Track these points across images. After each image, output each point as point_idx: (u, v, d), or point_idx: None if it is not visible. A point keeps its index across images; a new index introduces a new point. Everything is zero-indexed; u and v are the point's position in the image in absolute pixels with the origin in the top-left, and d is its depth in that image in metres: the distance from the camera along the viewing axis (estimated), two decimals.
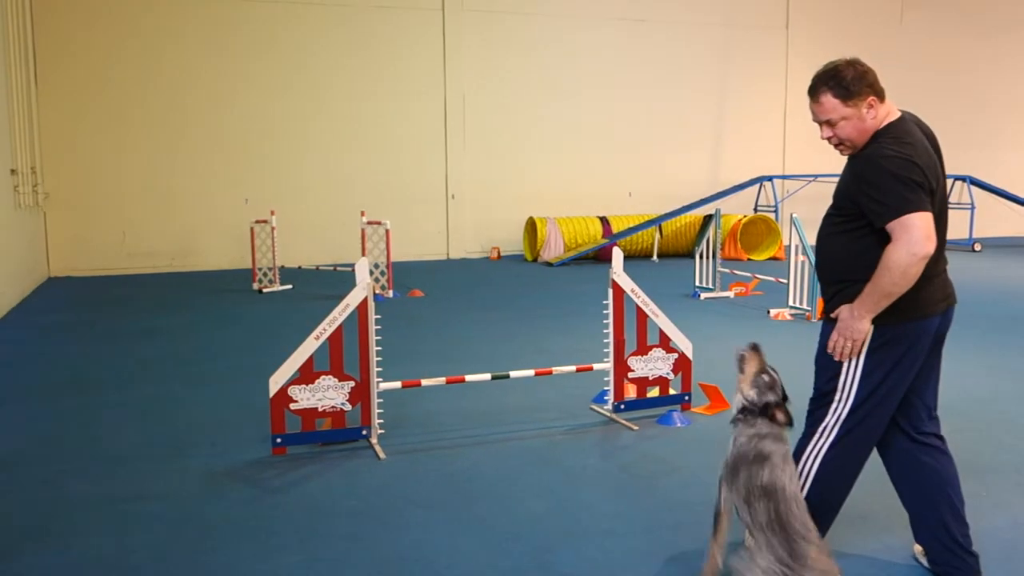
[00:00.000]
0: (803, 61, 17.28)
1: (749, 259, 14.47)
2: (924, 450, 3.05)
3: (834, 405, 2.98)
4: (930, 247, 2.74)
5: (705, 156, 16.43)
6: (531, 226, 14.67)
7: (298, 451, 4.41)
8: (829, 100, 2.97)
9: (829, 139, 3.05)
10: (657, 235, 14.72)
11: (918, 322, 2.90)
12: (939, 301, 2.96)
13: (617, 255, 4.99)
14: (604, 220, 14.71)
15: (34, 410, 5.36)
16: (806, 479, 2.98)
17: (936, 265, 2.93)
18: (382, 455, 4.35)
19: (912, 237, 2.72)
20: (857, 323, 2.86)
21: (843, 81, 2.95)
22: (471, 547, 3.28)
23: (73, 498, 3.84)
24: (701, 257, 10.24)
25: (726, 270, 10.51)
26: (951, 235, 13.63)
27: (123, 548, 3.30)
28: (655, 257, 14.70)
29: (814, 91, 3.04)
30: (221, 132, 13.40)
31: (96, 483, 4.03)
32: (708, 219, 10.14)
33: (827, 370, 3.04)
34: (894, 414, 3.03)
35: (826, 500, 3.00)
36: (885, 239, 2.80)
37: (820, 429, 3.00)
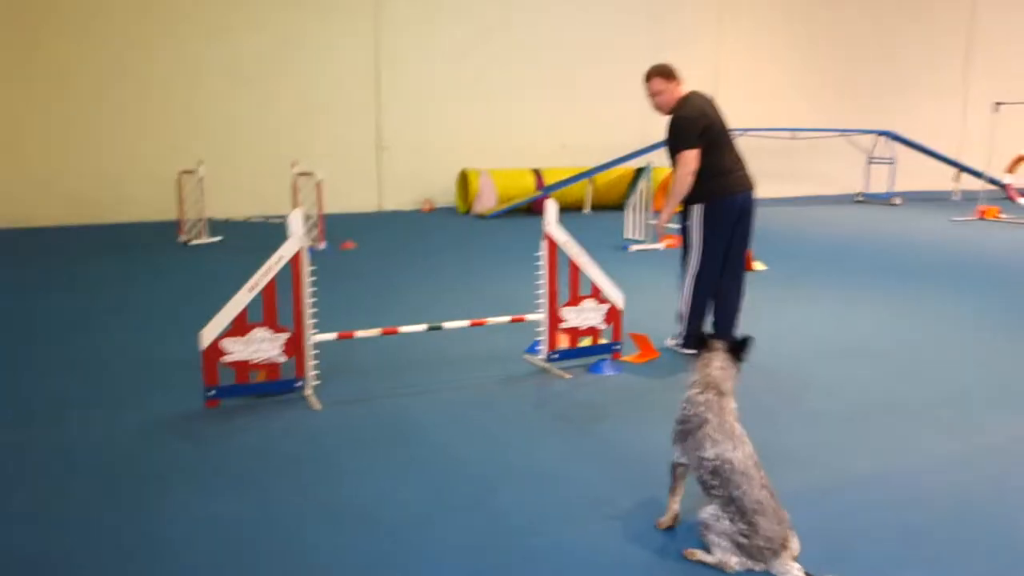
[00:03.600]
0: (735, 18, 17.44)
1: (679, 212, 14.69)
2: (730, 280, 5.26)
3: (692, 253, 5.23)
4: (694, 167, 5.03)
5: (637, 109, 16.52)
6: (464, 178, 14.62)
7: (232, 403, 4.39)
8: (658, 81, 5.22)
9: (656, 106, 5.28)
10: (589, 187, 14.82)
11: (722, 199, 5.12)
12: (735, 187, 5.14)
13: (551, 207, 5.04)
14: (537, 172, 14.74)
15: None
16: (687, 297, 5.27)
17: (727, 166, 5.14)
18: (318, 406, 4.37)
19: (684, 161, 5.04)
20: (662, 216, 5.39)
21: (665, 71, 5.22)
22: (409, 492, 3.35)
23: (7, 450, 3.77)
24: (632, 210, 10.38)
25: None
26: (873, 189, 14.07)
27: (63, 500, 3.27)
28: (587, 209, 14.82)
29: (648, 77, 5.27)
30: (146, 79, 12.98)
31: (25, 436, 3.96)
32: (639, 172, 10.25)
33: (687, 235, 5.29)
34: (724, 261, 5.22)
35: (696, 309, 5.25)
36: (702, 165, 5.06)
37: (689, 268, 5.26)
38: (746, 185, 5.19)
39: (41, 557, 2.85)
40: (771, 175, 17.39)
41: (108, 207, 12.93)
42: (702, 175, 5.06)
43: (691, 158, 5.00)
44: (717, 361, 3.07)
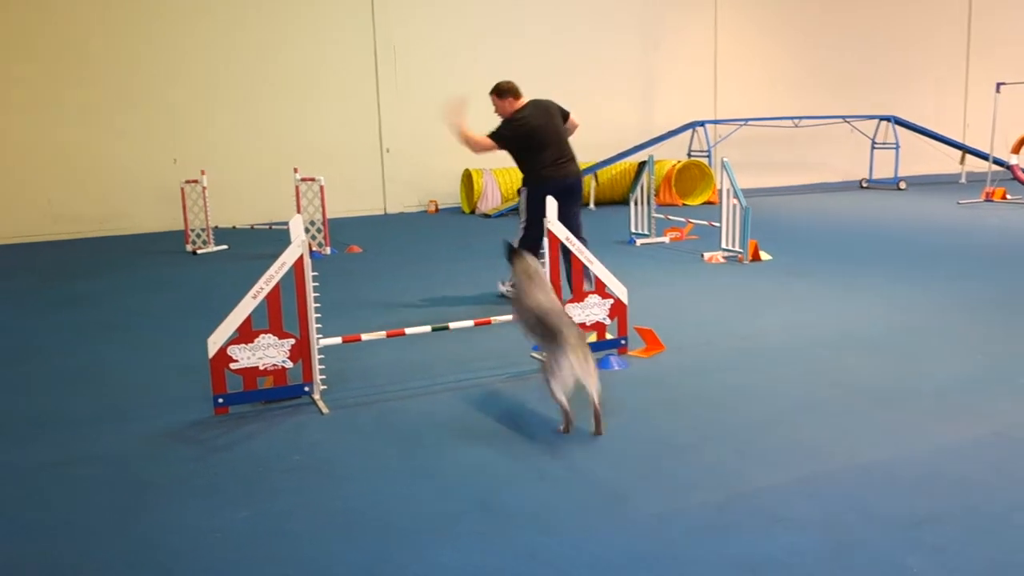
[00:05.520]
0: (732, 6, 17.41)
1: (684, 204, 14.67)
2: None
3: (521, 221, 6.65)
4: (480, 148, 6.53)
5: (638, 103, 16.53)
6: (468, 178, 14.63)
7: (240, 410, 4.42)
8: (493, 98, 6.77)
9: (498, 115, 6.73)
10: (593, 183, 14.82)
11: (539, 186, 6.40)
12: (555, 177, 6.51)
13: (551, 204, 5.05)
14: None
15: None
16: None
17: (546, 162, 6.56)
18: (325, 410, 4.39)
19: (483, 141, 6.49)
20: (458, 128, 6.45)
21: (497, 90, 6.78)
22: (416, 494, 3.36)
23: (14, 465, 3.80)
24: (636, 203, 10.37)
25: (661, 216, 10.66)
26: (878, 174, 14.00)
27: (71, 511, 3.30)
28: (592, 205, 14.82)
29: (492, 93, 6.78)
30: (144, 92, 13.03)
31: (37, 450, 3.99)
32: (642, 166, 10.24)
33: (520, 209, 6.73)
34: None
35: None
36: (522, 156, 6.69)
37: (518, 232, 6.61)
38: (563, 175, 6.58)
39: (52, 568, 2.88)
40: (774, 164, 17.41)
41: (113, 220, 12.99)
42: (529, 169, 6.66)
43: (485, 143, 6.53)
44: (528, 258, 4.48)
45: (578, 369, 3.84)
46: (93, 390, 4.95)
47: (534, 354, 5.31)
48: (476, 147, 6.52)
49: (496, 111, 6.75)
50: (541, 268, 4.49)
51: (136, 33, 12.90)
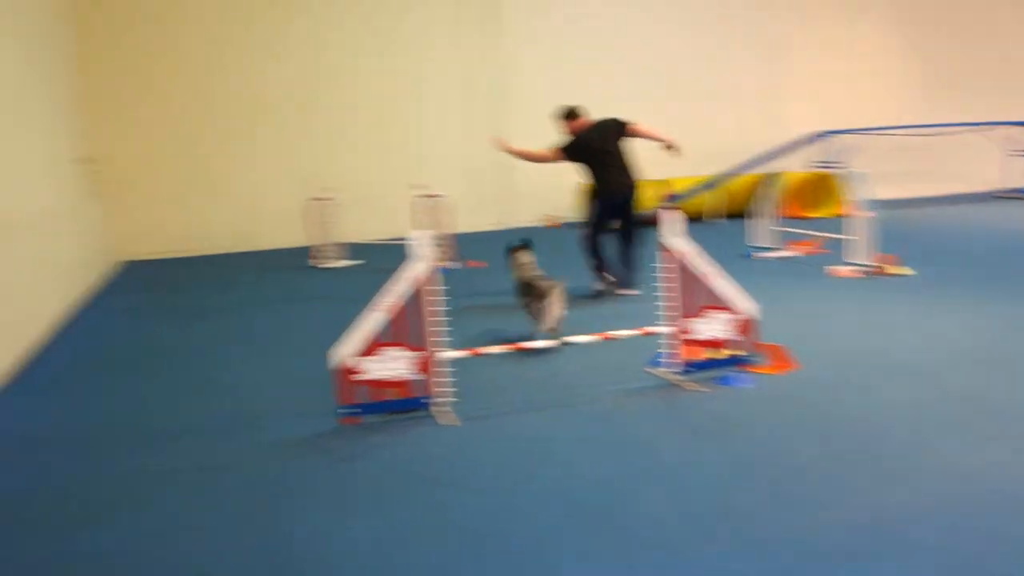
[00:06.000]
0: (863, 11, 16.80)
1: (811, 216, 14.23)
2: (628, 240, 7.95)
3: (588, 220, 7.88)
4: (541, 159, 7.94)
5: (764, 112, 16.13)
6: (584, 193, 14.60)
7: (366, 421, 4.53)
8: (560, 121, 7.83)
9: (564, 132, 7.82)
10: (715, 195, 14.55)
11: (600, 198, 7.77)
12: (615, 192, 7.70)
13: (668, 217, 4.98)
14: (661, 182, 14.57)
15: (110, 387, 5.62)
16: (584, 249, 7.92)
17: (602, 178, 7.72)
18: (449, 422, 4.46)
19: (534, 155, 7.94)
20: (512, 149, 8.04)
21: (560, 115, 7.87)
22: (538, 509, 3.37)
23: (151, 469, 4.03)
24: (760, 216, 10.14)
25: (786, 228, 10.38)
26: (1016, 183, 13.24)
27: (208, 514, 3.47)
28: (714, 218, 14.55)
29: (556, 117, 7.87)
30: (277, 114, 13.59)
31: (172, 455, 4.21)
32: (767, 177, 10.01)
33: (588, 216, 7.97)
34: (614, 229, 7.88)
35: (593, 255, 7.85)
36: (588, 171, 7.82)
37: (585, 231, 7.91)
38: (616, 189, 7.71)
39: (180, 569, 3.02)
40: (905, 174, 16.64)
41: (247, 237, 13.55)
42: (594, 183, 7.79)
43: (544, 154, 7.85)
44: (525, 255, 6.53)
45: (556, 314, 5.86)
46: (228, 399, 5.18)
47: (650, 370, 5.26)
48: (535, 159, 7.92)
49: (562, 131, 7.87)
50: (528, 258, 6.50)
51: (274, 67, 13.49)
